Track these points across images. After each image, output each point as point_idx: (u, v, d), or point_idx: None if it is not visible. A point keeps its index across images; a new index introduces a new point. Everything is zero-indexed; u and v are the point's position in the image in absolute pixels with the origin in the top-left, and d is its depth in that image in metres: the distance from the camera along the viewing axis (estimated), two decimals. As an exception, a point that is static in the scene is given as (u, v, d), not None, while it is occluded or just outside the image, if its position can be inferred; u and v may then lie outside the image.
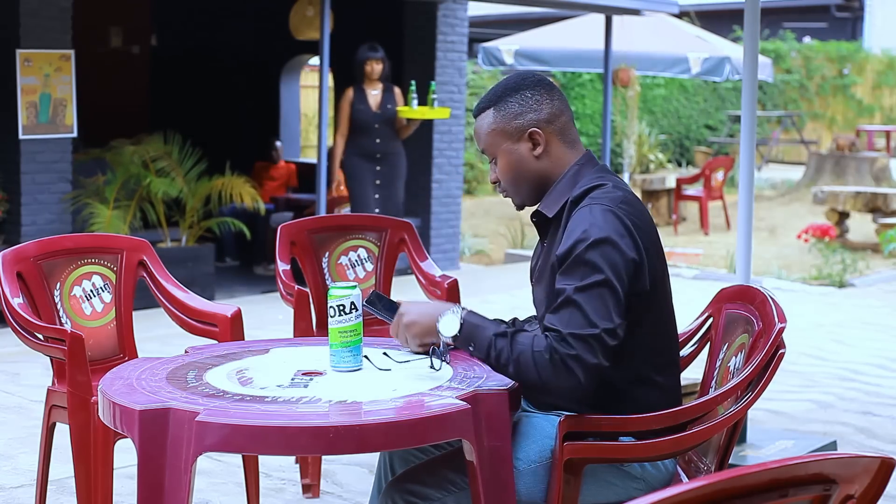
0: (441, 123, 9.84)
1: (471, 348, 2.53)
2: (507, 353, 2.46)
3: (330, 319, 2.67)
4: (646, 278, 2.52)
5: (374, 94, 8.14)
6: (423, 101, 8.43)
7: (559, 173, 2.66)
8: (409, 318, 2.64)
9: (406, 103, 8.29)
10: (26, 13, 7.48)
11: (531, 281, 2.79)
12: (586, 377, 2.41)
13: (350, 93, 8.16)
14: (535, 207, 2.74)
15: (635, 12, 10.65)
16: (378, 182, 8.19)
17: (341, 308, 2.66)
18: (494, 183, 2.75)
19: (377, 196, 8.14)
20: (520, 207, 2.78)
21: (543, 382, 2.44)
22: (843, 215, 11.57)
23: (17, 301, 3.50)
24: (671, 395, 2.66)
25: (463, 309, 2.58)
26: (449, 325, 2.55)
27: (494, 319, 2.81)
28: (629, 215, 2.52)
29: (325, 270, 4.50)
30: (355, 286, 2.70)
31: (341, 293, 2.67)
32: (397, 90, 8.22)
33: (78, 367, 3.36)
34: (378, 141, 8.17)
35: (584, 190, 2.58)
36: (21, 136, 7.48)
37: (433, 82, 8.40)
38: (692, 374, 3.35)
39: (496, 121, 2.66)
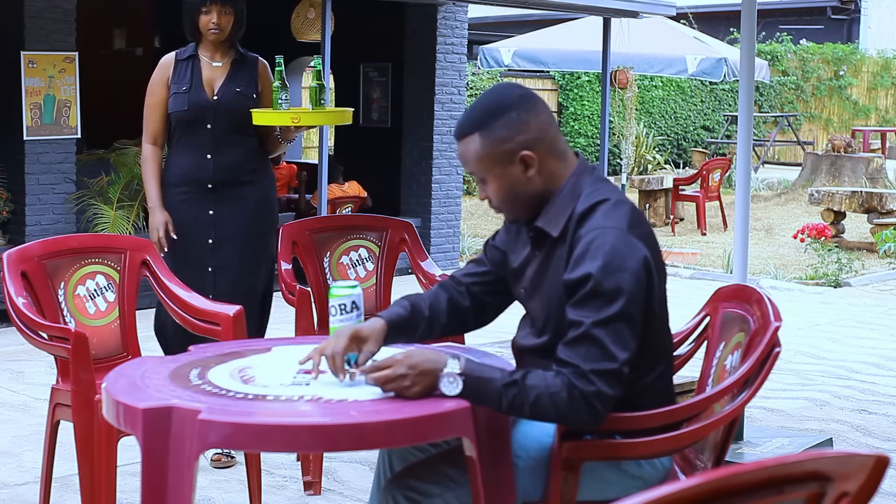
0: (441, 124, 9.86)
1: (479, 401, 2.42)
2: (521, 399, 2.38)
3: (331, 318, 2.65)
4: (654, 299, 2.52)
5: (214, 69, 4.50)
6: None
7: (554, 189, 2.58)
8: (410, 381, 2.40)
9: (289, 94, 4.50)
10: (31, 15, 7.50)
11: (518, 287, 2.71)
12: (605, 409, 2.40)
13: (168, 64, 4.52)
14: (529, 218, 2.67)
15: (633, 14, 10.67)
16: (211, 241, 4.47)
17: (342, 307, 2.64)
18: (484, 200, 2.65)
19: (210, 268, 4.46)
20: (513, 223, 2.71)
21: (563, 419, 2.42)
22: (839, 215, 11.60)
23: (21, 300, 3.53)
24: (666, 398, 2.68)
25: (458, 360, 2.42)
26: (451, 387, 2.40)
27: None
28: (639, 235, 2.49)
29: (327, 270, 4.54)
30: (356, 285, 2.68)
31: (342, 292, 2.65)
32: (262, 66, 4.59)
33: (82, 365, 3.39)
34: (210, 157, 4.43)
35: (589, 206, 2.51)
36: (26, 138, 7.50)
37: (317, 57, 4.76)
38: (689, 372, 3.39)
39: (484, 147, 2.53)
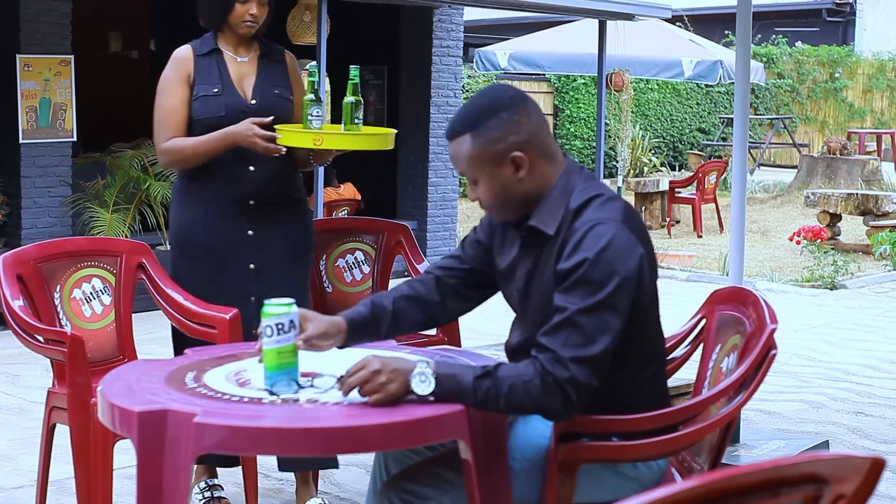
0: (437, 127, 9.86)
1: (454, 399, 2.40)
2: (495, 391, 2.38)
3: (266, 339, 2.47)
4: (645, 293, 2.52)
5: (241, 65, 3.88)
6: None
7: (545, 189, 2.58)
8: (385, 377, 2.38)
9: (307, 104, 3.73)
10: (26, 18, 7.51)
11: (510, 289, 2.69)
12: (579, 398, 2.40)
13: (187, 59, 3.88)
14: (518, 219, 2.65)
15: (629, 17, 10.68)
16: (252, 266, 3.85)
17: (280, 327, 2.46)
18: (475, 200, 2.64)
19: (252, 298, 3.77)
20: (503, 223, 2.71)
21: (538, 407, 2.42)
22: (835, 217, 11.61)
23: (17, 303, 3.53)
24: (660, 398, 2.69)
25: (428, 362, 2.42)
26: (424, 386, 2.38)
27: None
28: (633, 229, 2.49)
29: (323, 273, 4.53)
30: (292, 303, 2.51)
31: (278, 310, 2.47)
32: (291, 59, 3.99)
33: (78, 368, 3.39)
34: (252, 169, 3.82)
35: (584, 200, 2.51)
36: (21, 141, 7.51)
37: (355, 68, 3.78)
38: (685, 375, 3.39)
39: (476, 147, 2.53)
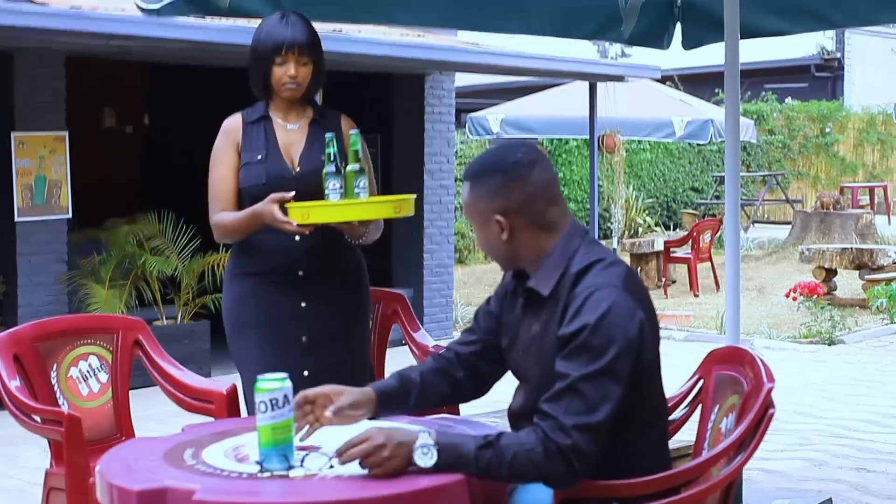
0: (431, 193, 9.90)
1: (456, 469, 2.40)
2: (498, 461, 2.38)
3: (260, 415, 2.45)
4: (646, 357, 2.52)
5: (290, 133, 3.77)
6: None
7: (537, 254, 2.61)
8: (389, 451, 2.39)
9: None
10: (21, 96, 7.57)
11: (513, 352, 2.71)
12: (582, 465, 2.40)
13: (235, 127, 3.76)
14: (515, 273, 2.73)
15: (619, 78, 10.79)
16: (305, 339, 3.69)
17: (274, 402, 2.45)
18: None
19: (305, 373, 3.57)
20: (504, 269, 2.78)
21: (542, 475, 2.42)
22: (831, 272, 11.63)
23: (14, 384, 3.52)
24: (662, 462, 2.68)
25: (429, 432, 2.42)
26: (426, 458, 2.38)
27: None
28: (634, 293, 2.51)
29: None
30: (285, 377, 2.50)
31: (272, 385, 2.47)
32: (347, 125, 3.80)
33: (75, 448, 3.38)
34: (298, 240, 3.64)
35: (585, 265, 2.54)
36: (17, 219, 7.53)
37: (354, 133, 3.59)
38: (685, 436, 3.37)
39: (470, 198, 2.65)
